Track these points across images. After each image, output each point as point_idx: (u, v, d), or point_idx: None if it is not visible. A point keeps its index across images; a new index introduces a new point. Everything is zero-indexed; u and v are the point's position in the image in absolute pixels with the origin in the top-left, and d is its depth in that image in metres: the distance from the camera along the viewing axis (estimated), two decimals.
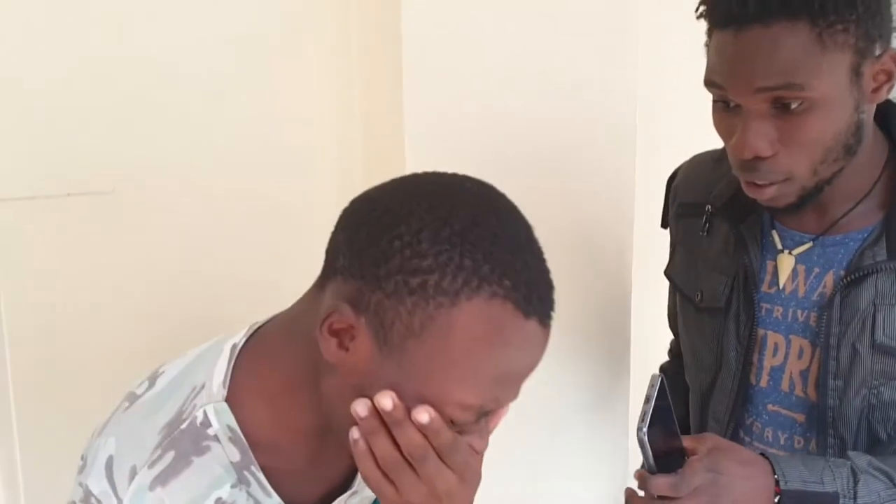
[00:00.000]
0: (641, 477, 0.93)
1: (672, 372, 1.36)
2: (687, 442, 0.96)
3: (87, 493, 0.75)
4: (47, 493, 1.27)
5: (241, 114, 1.38)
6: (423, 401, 0.69)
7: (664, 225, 1.31)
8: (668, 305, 1.36)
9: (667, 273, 1.28)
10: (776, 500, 0.94)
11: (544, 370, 1.76)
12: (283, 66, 1.41)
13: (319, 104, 1.46)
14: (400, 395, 0.69)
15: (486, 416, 0.73)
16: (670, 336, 1.41)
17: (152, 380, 0.80)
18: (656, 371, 0.95)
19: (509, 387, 0.72)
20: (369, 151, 1.50)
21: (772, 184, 0.99)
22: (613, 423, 1.62)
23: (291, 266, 1.44)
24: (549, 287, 0.72)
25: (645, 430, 0.89)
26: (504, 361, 0.69)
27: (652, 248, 1.41)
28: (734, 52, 0.95)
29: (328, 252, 0.73)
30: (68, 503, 0.78)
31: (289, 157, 1.45)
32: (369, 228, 0.69)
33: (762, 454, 0.98)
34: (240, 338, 0.78)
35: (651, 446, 0.90)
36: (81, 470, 0.78)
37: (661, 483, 0.91)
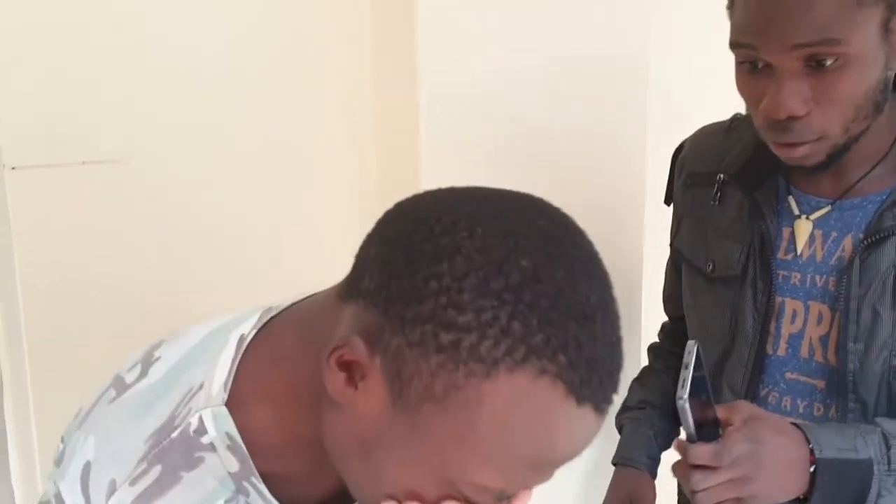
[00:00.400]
0: (681, 446, 0.91)
1: (665, 350, 1.36)
2: (720, 412, 0.94)
3: (60, 501, 0.66)
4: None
5: (255, 99, 1.40)
6: (435, 473, 0.59)
7: (668, 201, 1.30)
8: (665, 287, 1.35)
9: (673, 244, 1.27)
10: (811, 470, 0.92)
11: None
12: (297, 55, 1.43)
13: (330, 86, 1.47)
14: (409, 462, 0.59)
15: (508, 498, 0.62)
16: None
17: (145, 366, 0.70)
18: (692, 340, 0.93)
19: (542, 473, 0.60)
20: (381, 119, 1.50)
21: (803, 143, 0.98)
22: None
23: (300, 241, 1.46)
24: (616, 365, 0.58)
25: (685, 396, 0.87)
26: (541, 449, 0.57)
27: (664, 226, 1.40)
28: (767, 11, 0.94)
29: (357, 261, 0.62)
30: (42, 502, 0.69)
31: (300, 141, 1.47)
32: (405, 253, 0.57)
33: (794, 424, 0.96)
34: (249, 328, 0.67)
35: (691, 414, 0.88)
36: (58, 462, 0.69)
37: (703, 451, 0.88)
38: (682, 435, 0.92)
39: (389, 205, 0.63)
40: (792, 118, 0.95)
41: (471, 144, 1.43)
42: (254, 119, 1.39)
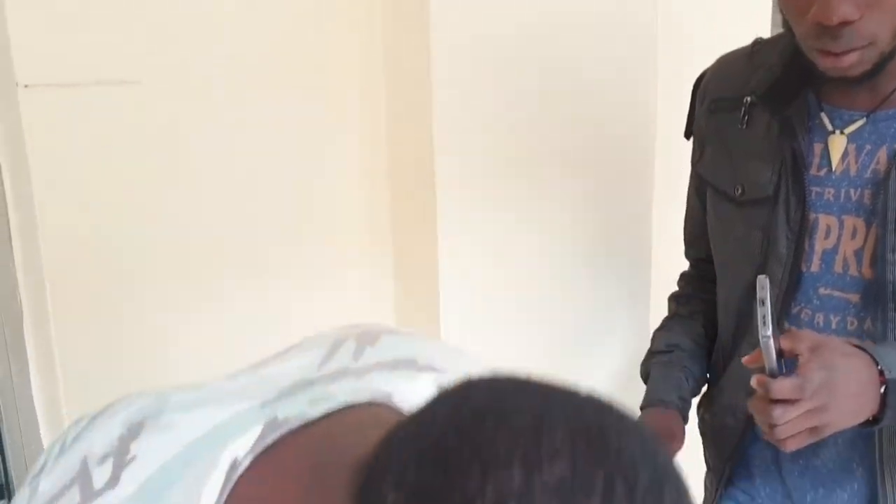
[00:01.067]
0: (761, 382, 0.90)
1: (689, 296, 1.33)
2: (782, 342, 0.93)
3: None
4: (84, 376, 1.27)
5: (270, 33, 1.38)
6: None
7: (688, 135, 1.29)
8: (687, 229, 1.33)
9: (698, 171, 1.25)
10: (882, 390, 0.92)
11: (566, 288, 1.74)
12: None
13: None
14: None
15: None
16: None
17: (118, 466, 0.58)
18: (762, 275, 0.92)
19: None
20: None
21: (852, 51, 0.96)
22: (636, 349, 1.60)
23: (308, 164, 1.46)
24: None
25: (769, 333, 0.87)
26: None
27: (676, 164, 1.39)
28: None
29: (371, 484, 0.47)
30: None
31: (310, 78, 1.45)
32: None
33: (858, 346, 0.95)
34: (244, 451, 0.56)
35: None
36: None
37: (786, 386, 0.88)
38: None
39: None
40: (844, 23, 0.94)
41: (481, 89, 1.44)
42: (266, 49, 1.37)
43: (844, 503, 1.10)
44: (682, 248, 1.37)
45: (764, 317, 0.87)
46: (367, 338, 0.66)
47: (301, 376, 0.62)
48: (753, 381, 0.92)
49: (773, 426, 0.89)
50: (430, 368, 0.63)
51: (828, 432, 0.91)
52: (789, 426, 0.89)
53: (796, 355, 0.91)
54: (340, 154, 1.52)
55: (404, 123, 1.53)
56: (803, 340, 0.92)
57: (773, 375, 0.89)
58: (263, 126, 1.39)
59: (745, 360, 0.98)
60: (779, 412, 0.88)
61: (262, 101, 1.38)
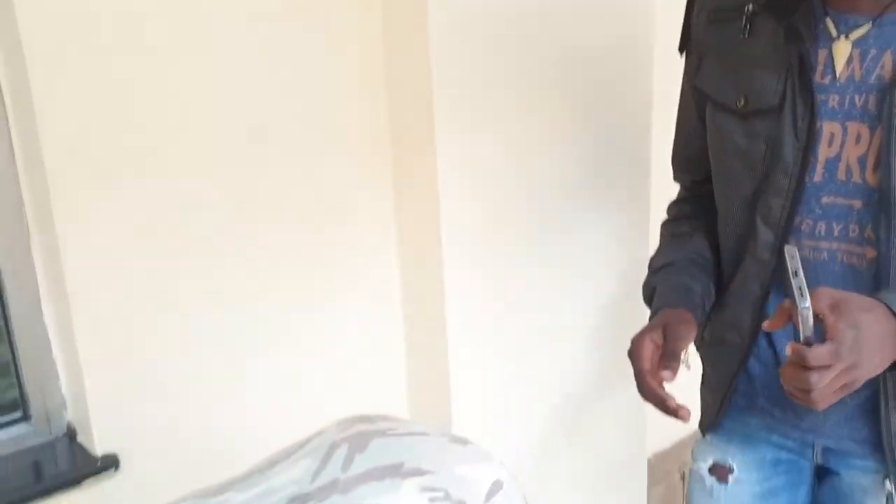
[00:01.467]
0: (797, 350, 0.91)
1: (686, 217, 1.32)
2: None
3: None
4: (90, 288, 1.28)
5: None
6: None
7: (682, 48, 1.26)
8: (679, 148, 1.32)
9: (695, 84, 1.23)
10: None
11: (565, 211, 1.72)
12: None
13: None
14: None
15: None
16: None
17: None
18: (789, 245, 0.93)
19: None
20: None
21: None
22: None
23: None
24: None
25: (807, 304, 0.88)
26: None
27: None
28: None
29: None
30: None
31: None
32: None
33: (874, 298, 0.96)
34: None
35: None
36: None
37: (824, 352, 0.89)
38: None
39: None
40: None
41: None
42: None
43: (846, 405, 1.12)
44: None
45: (800, 287, 0.88)
46: (358, 443, 0.70)
47: (297, 490, 0.67)
48: (788, 350, 0.93)
49: (808, 391, 0.91)
50: (416, 472, 0.66)
51: (857, 386, 0.94)
52: (824, 389, 0.91)
53: (815, 315, 0.92)
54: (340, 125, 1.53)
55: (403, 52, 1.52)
56: (821, 299, 0.92)
57: (808, 343, 0.90)
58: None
59: (765, 325, 1.00)
60: (816, 378, 0.90)
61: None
